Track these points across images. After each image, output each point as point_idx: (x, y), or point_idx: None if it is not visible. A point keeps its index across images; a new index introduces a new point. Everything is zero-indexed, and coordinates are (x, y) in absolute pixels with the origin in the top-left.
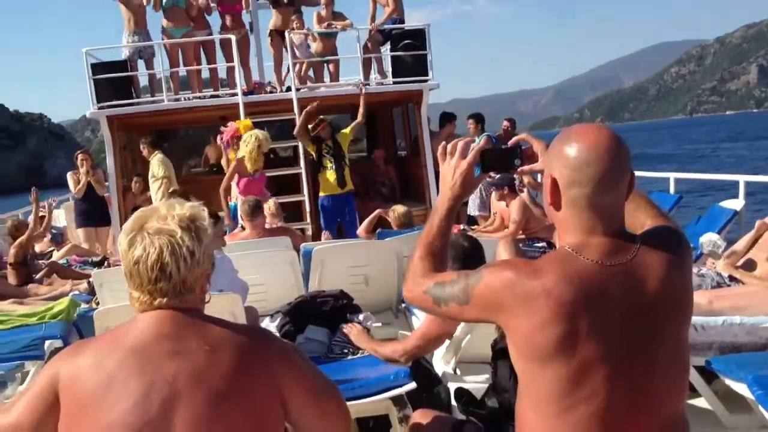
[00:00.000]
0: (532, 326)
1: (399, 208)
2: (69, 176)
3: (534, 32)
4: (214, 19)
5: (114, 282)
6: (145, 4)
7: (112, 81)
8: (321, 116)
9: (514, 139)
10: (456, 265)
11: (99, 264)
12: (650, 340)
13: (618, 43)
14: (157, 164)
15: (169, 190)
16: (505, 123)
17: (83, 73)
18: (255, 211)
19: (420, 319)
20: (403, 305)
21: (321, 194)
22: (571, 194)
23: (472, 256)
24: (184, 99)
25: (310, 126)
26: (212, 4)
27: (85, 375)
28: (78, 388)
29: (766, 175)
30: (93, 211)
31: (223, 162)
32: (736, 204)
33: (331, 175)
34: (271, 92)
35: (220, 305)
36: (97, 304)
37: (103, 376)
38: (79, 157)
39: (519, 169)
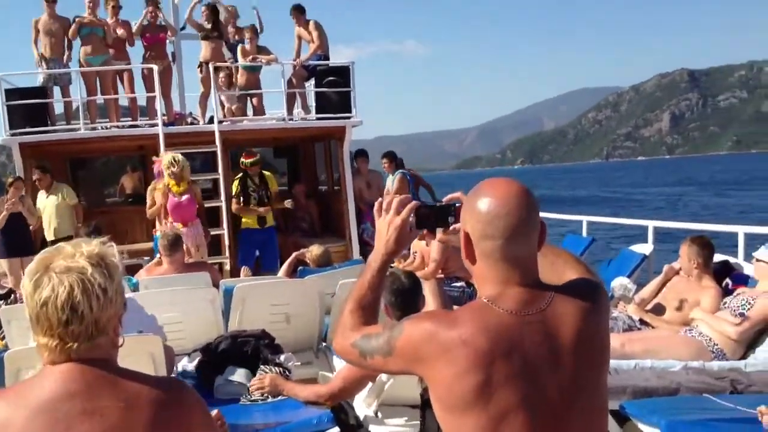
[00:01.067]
0: (451, 376)
1: (315, 249)
2: None
3: (460, 73)
4: (137, 47)
5: (24, 320)
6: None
7: (26, 107)
8: (250, 149)
9: (449, 197)
10: (396, 299)
11: (5, 297)
12: (568, 387)
13: (541, 86)
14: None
15: None
16: (384, 161)
17: None
18: (174, 245)
19: (342, 361)
20: (324, 344)
21: (242, 227)
22: (484, 247)
23: (412, 292)
24: (102, 128)
25: (243, 161)
26: (134, 37)
27: None
28: None
29: (674, 221)
30: (17, 241)
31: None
32: (646, 248)
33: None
34: (192, 123)
35: (138, 347)
36: (2, 340)
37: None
38: (13, 186)
39: (452, 227)
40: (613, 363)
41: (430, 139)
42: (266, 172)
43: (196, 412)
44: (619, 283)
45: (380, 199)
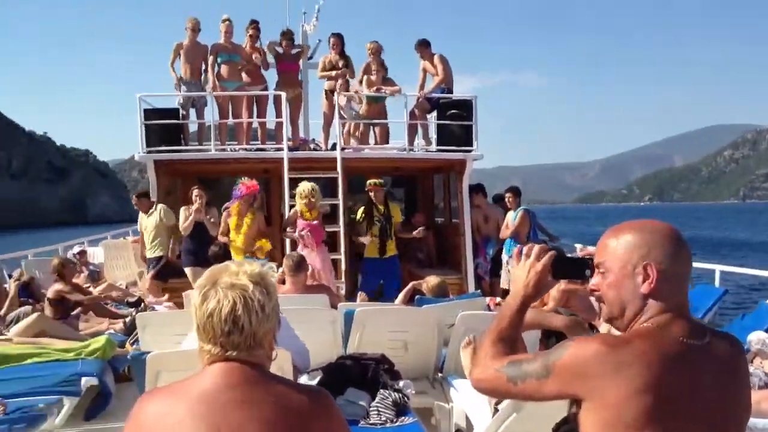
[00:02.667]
0: (624, 394)
1: (432, 280)
2: (182, 211)
3: (583, 105)
4: (273, 74)
5: (157, 326)
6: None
7: (162, 127)
8: (376, 180)
9: (585, 251)
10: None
11: (135, 305)
12: (720, 426)
13: (671, 121)
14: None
15: None
16: (508, 195)
17: (135, 115)
18: (298, 267)
19: (458, 391)
20: (440, 375)
21: (365, 255)
22: (668, 277)
23: None
24: (230, 149)
25: (370, 180)
26: (270, 62)
27: (154, 418)
28: (146, 430)
29: None
30: (202, 252)
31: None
32: None
33: (375, 241)
34: (314, 149)
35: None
36: (132, 344)
37: (170, 420)
38: (194, 192)
39: (590, 282)
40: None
41: (550, 171)
42: (391, 203)
43: (337, 419)
44: (757, 338)
45: (520, 246)
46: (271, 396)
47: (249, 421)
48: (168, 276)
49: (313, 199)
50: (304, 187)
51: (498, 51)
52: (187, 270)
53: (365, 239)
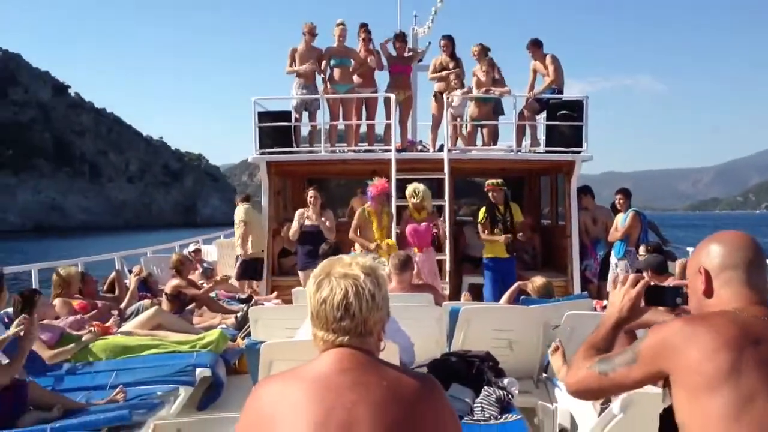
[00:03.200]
0: (701, 356)
1: (538, 280)
2: (296, 215)
3: (696, 110)
4: (383, 75)
5: (268, 319)
6: (315, 66)
7: (274, 129)
8: (495, 180)
9: (677, 282)
10: None
11: (246, 301)
12: None
13: None
14: None
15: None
16: (619, 197)
17: (246, 120)
18: (404, 265)
19: (563, 391)
20: (545, 375)
21: (486, 255)
22: (725, 277)
23: None
24: (340, 151)
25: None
26: (383, 64)
27: (272, 401)
28: (264, 413)
29: None
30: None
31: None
32: None
33: (500, 242)
34: (421, 151)
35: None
36: (243, 339)
37: (286, 402)
38: (310, 193)
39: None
40: None
41: (660, 178)
42: (513, 203)
43: (446, 405)
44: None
45: (615, 274)
46: (383, 380)
47: (361, 403)
48: (251, 275)
49: (415, 200)
50: (413, 188)
51: (612, 54)
52: (300, 273)
53: (498, 238)
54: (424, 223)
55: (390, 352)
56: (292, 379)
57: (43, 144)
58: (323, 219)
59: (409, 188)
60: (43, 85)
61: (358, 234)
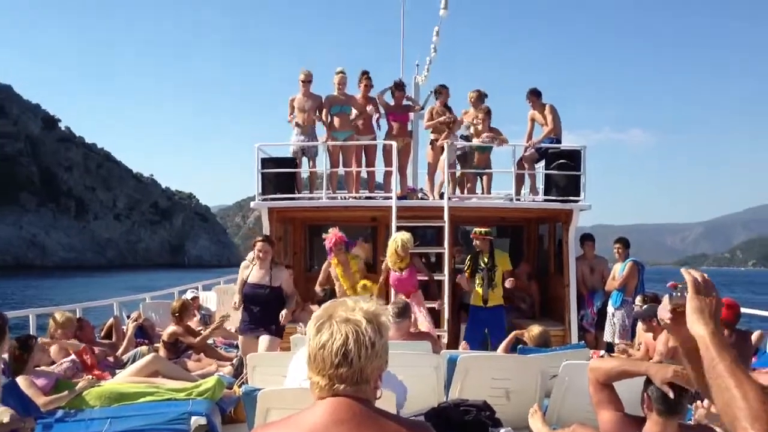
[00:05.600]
0: None
1: (534, 329)
2: (241, 266)
3: (686, 166)
4: (382, 123)
5: (266, 366)
6: (317, 115)
7: (276, 175)
8: (480, 228)
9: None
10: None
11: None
12: None
13: None
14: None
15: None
16: (617, 246)
17: (242, 163)
18: (403, 313)
19: None
20: None
21: (470, 304)
22: None
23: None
24: (341, 198)
25: (476, 229)
26: (380, 112)
27: None
28: None
29: None
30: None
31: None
32: None
33: (478, 290)
34: (421, 198)
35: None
36: (240, 386)
37: None
38: (258, 245)
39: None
40: None
41: (650, 232)
42: (498, 252)
43: None
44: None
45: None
46: (381, 431)
47: None
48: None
49: (401, 253)
50: (397, 242)
51: (602, 108)
52: (240, 338)
53: (465, 285)
54: (405, 271)
55: (387, 401)
56: (287, 428)
57: (30, 177)
58: (273, 278)
59: (393, 241)
60: (33, 118)
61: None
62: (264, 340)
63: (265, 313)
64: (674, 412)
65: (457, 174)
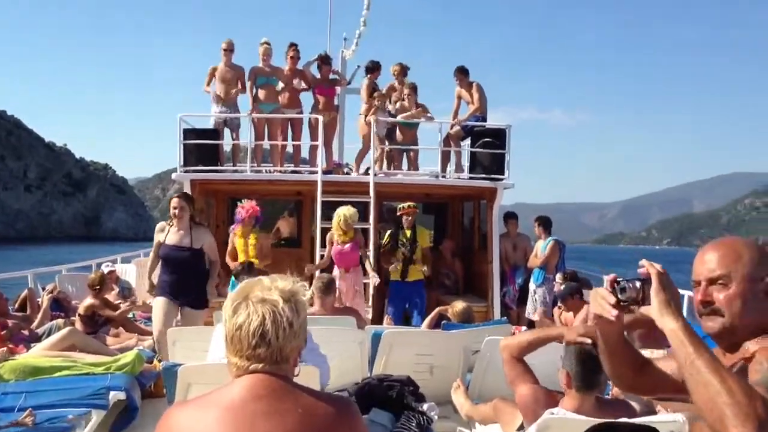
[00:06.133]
0: None
1: (458, 305)
2: (157, 228)
3: (605, 147)
4: (308, 98)
5: (188, 341)
6: (239, 88)
7: (199, 147)
8: (410, 203)
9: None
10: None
11: None
12: None
13: (692, 167)
14: None
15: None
16: (538, 225)
17: (163, 135)
18: (328, 288)
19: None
20: None
21: (390, 279)
22: None
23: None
24: (265, 171)
25: (399, 205)
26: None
27: (182, 429)
28: None
29: None
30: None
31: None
32: None
33: (398, 265)
34: (347, 173)
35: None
36: (160, 361)
37: (197, 431)
38: (173, 202)
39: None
40: None
41: (570, 211)
42: (420, 228)
43: (361, 428)
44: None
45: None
46: (298, 407)
47: (275, 431)
48: None
49: (344, 226)
50: (340, 214)
51: (526, 87)
52: (155, 302)
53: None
54: (348, 245)
55: (310, 376)
56: (204, 406)
57: None
58: (194, 239)
59: (339, 213)
60: None
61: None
62: (188, 315)
63: (184, 278)
64: (592, 386)
65: (387, 149)
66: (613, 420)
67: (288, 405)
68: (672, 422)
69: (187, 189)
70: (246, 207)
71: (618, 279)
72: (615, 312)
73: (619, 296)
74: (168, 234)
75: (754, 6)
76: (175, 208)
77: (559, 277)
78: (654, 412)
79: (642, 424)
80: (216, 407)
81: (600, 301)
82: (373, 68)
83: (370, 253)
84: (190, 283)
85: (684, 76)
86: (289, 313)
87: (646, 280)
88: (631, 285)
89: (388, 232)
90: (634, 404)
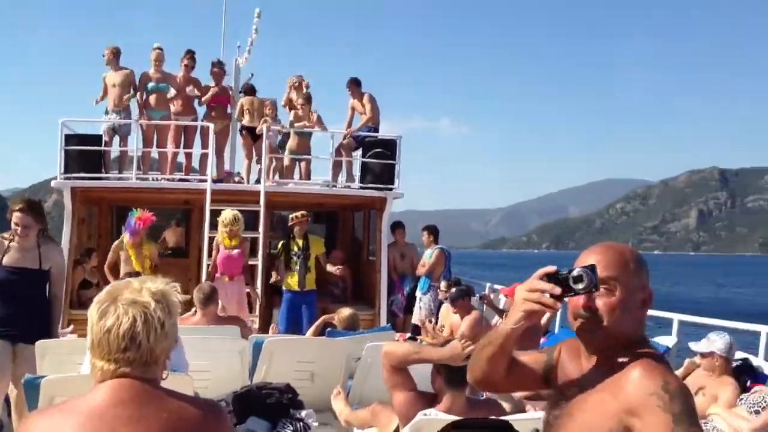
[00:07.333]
0: None
1: (344, 311)
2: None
3: (489, 155)
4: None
5: (57, 354)
6: (132, 93)
7: (82, 153)
8: (302, 212)
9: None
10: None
11: None
12: None
13: (567, 173)
14: None
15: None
16: (425, 234)
17: (39, 142)
18: (209, 298)
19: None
20: None
21: (285, 288)
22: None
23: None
24: (153, 179)
25: (291, 215)
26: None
27: None
28: None
29: (699, 316)
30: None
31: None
32: (669, 341)
33: (294, 275)
34: (238, 182)
35: (171, 385)
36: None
37: None
38: (15, 215)
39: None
40: None
41: (456, 217)
42: (312, 236)
43: None
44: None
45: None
46: (163, 412)
47: None
48: None
49: (234, 228)
50: (226, 215)
51: (414, 97)
52: None
53: (281, 274)
54: (236, 251)
55: (184, 383)
56: (64, 412)
57: None
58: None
59: (222, 215)
60: None
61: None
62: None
63: (23, 306)
64: (460, 385)
65: (286, 161)
66: (468, 417)
67: (153, 410)
68: (537, 419)
69: (68, 197)
70: (142, 217)
71: (560, 270)
72: (559, 304)
73: (574, 286)
74: (7, 252)
75: (615, 14)
76: (17, 224)
77: (443, 284)
78: (523, 411)
79: (497, 419)
80: (77, 414)
81: (535, 295)
82: (250, 91)
83: (259, 263)
84: (32, 314)
85: (560, 85)
86: (161, 314)
87: (591, 268)
88: (585, 274)
89: (281, 242)
90: (505, 404)
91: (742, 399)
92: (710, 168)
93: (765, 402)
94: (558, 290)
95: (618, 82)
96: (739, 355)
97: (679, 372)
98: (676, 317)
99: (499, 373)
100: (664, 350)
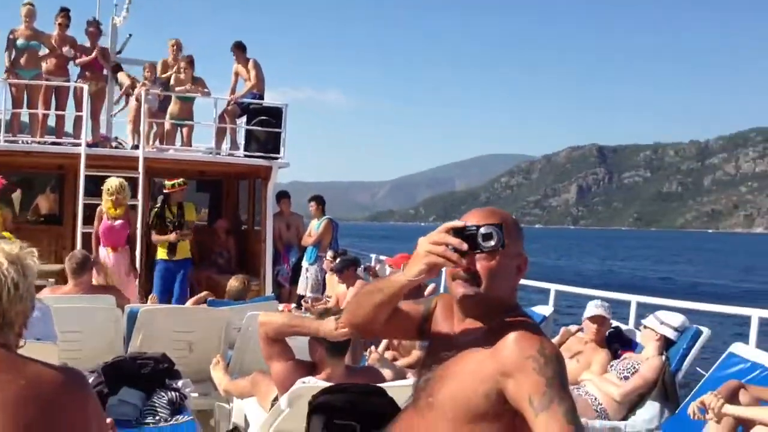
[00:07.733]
0: None
1: (234, 280)
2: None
3: (376, 127)
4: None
5: None
6: None
7: None
8: (181, 179)
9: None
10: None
11: None
12: None
13: (453, 147)
14: None
15: None
16: (312, 204)
17: None
18: (81, 267)
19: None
20: None
21: (157, 257)
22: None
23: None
24: (22, 142)
25: (166, 183)
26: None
27: None
28: None
29: (574, 286)
30: None
31: None
32: (546, 310)
33: (163, 243)
34: (117, 147)
35: (36, 354)
36: None
37: None
38: None
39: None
40: None
41: (342, 189)
42: (186, 203)
43: (92, 401)
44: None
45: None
46: (20, 378)
47: None
48: None
49: (120, 197)
50: (112, 182)
51: (303, 68)
52: None
53: (164, 238)
54: (119, 221)
55: (48, 352)
56: None
57: None
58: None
59: (107, 183)
60: None
61: None
62: None
63: None
64: (340, 354)
65: (167, 126)
66: (344, 383)
67: (9, 376)
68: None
69: None
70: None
71: (468, 226)
72: (464, 261)
73: (483, 243)
74: None
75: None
76: None
77: (329, 254)
78: (404, 378)
79: (370, 385)
80: None
81: (440, 248)
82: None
83: (138, 232)
84: None
85: (451, 60)
86: (14, 275)
87: (499, 227)
88: (495, 232)
89: (154, 210)
90: (386, 371)
91: (612, 365)
92: (590, 145)
93: (634, 368)
94: (465, 246)
95: (503, 61)
96: (611, 323)
97: (555, 340)
98: (553, 287)
99: (380, 321)
100: (542, 319)
